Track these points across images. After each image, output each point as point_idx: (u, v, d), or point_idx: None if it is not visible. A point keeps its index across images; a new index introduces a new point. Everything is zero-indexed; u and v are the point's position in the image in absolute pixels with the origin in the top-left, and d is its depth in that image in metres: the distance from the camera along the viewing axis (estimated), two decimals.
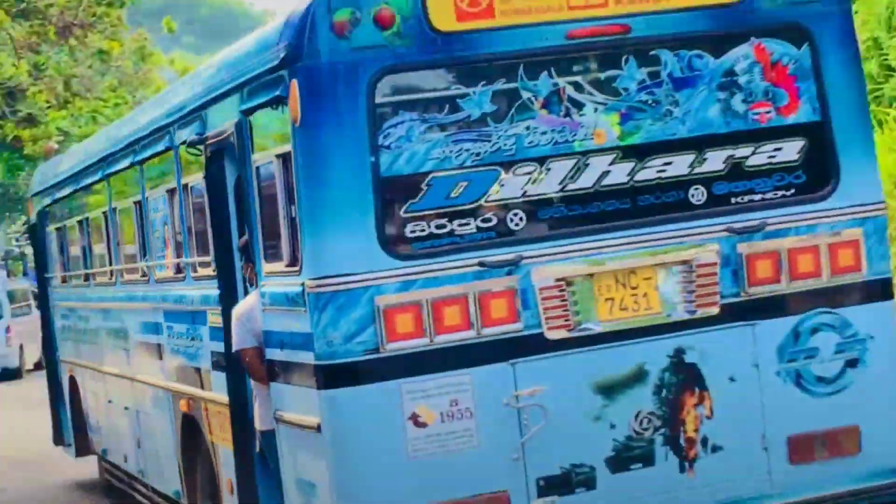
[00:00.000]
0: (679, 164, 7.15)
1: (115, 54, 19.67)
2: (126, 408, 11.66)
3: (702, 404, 7.13)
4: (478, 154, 6.89)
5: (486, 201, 6.90)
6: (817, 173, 7.33)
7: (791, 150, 7.31)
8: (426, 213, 6.83)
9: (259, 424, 7.87)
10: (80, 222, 12.84)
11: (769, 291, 7.22)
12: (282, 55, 6.90)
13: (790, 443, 7.24)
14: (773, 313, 7.21)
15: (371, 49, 6.74)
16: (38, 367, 26.87)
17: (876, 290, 7.38)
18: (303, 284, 6.84)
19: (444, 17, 6.84)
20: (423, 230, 6.82)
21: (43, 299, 15.18)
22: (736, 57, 7.24)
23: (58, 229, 14.05)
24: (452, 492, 6.80)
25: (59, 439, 14.91)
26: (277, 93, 6.98)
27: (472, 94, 6.89)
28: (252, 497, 8.17)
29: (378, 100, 6.74)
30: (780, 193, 7.29)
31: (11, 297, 30.79)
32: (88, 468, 14.74)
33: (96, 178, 11.71)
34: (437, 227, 6.85)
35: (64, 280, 14.04)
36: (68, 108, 19.16)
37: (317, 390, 6.84)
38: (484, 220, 6.91)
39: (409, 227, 6.81)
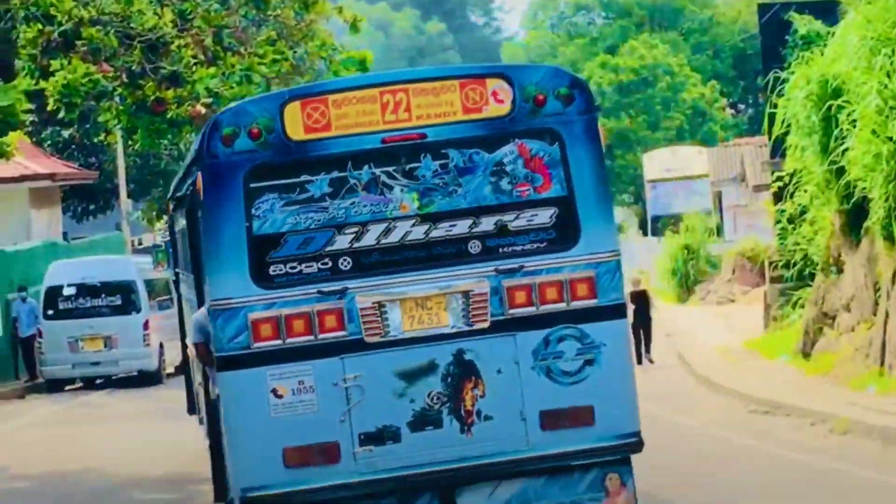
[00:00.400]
0: (461, 226, 10.51)
1: (273, 2, 17.37)
2: (199, 383, 15.60)
3: (477, 388, 10.48)
4: (319, 220, 10.42)
5: (324, 251, 10.41)
6: (564, 231, 10.56)
7: (545, 215, 10.58)
8: (283, 258, 10.40)
9: (211, 395, 11.63)
10: (180, 229, 16.78)
11: (525, 312, 10.49)
12: (194, 155, 10.63)
13: (542, 416, 10.50)
14: (528, 327, 10.48)
15: (246, 153, 10.36)
16: (179, 370, 23.96)
17: (608, 312, 10.55)
18: (209, 303, 10.57)
19: (295, 130, 10.40)
20: (281, 270, 10.41)
21: (177, 290, 19.17)
22: (504, 152, 10.54)
23: (175, 231, 18.07)
24: (300, 440, 10.34)
25: (192, 409, 18.99)
26: (194, 179, 10.73)
27: (315, 181, 10.42)
28: (216, 444, 11.90)
29: (251, 185, 10.35)
30: (535, 245, 10.54)
31: (152, 288, 28.97)
32: None
33: (176, 199, 15.61)
34: (291, 268, 10.43)
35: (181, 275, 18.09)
36: (218, 66, 16.46)
37: (217, 372, 10.57)
38: (323, 264, 10.44)
39: (271, 268, 10.40)
